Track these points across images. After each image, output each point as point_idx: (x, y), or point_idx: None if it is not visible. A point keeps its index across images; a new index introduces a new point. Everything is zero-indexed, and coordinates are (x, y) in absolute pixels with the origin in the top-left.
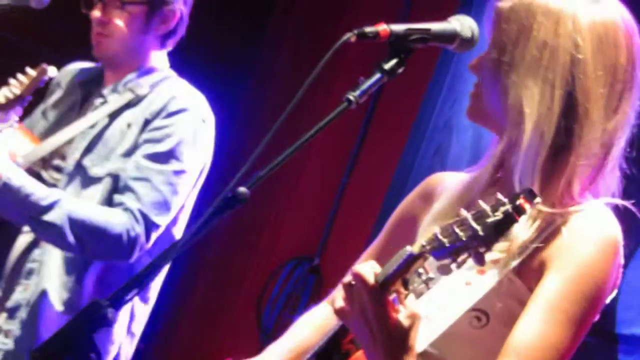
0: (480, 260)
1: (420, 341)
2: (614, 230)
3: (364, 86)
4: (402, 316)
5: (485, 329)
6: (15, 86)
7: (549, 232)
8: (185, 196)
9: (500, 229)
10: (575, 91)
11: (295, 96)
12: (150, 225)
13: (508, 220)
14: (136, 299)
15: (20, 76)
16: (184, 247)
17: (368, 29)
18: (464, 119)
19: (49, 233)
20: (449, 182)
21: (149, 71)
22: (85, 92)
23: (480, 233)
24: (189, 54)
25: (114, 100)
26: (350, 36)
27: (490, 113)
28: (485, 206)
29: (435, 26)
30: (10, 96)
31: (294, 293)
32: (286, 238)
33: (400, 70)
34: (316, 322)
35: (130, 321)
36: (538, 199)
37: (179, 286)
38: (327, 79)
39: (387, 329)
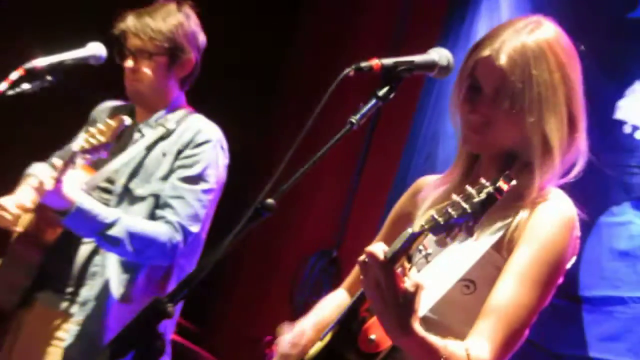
0: (470, 233)
1: (424, 305)
2: (570, 212)
3: (363, 110)
4: (408, 285)
5: (474, 295)
6: (99, 134)
7: (520, 217)
8: (211, 208)
9: (485, 206)
10: (573, 109)
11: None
12: (187, 234)
13: (490, 199)
14: None
15: (100, 125)
16: (225, 251)
17: (363, 64)
18: (448, 129)
19: (112, 244)
20: (432, 183)
21: (174, 109)
22: None
23: (469, 210)
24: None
25: (149, 134)
26: (349, 71)
27: (501, 146)
28: (471, 189)
29: (417, 58)
30: (95, 143)
31: (318, 281)
32: (309, 237)
33: (392, 95)
34: (334, 302)
35: None
36: (514, 182)
37: (225, 280)
38: (333, 105)
39: (396, 296)
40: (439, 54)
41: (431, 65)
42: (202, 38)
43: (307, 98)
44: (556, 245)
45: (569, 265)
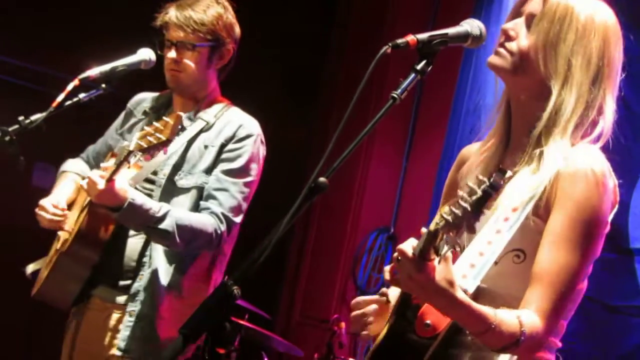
0: (471, 230)
1: (472, 281)
2: (597, 164)
3: (403, 85)
4: (435, 263)
5: (525, 263)
6: (157, 132)
7: (550, 178)
8: (250, 198)
9: (481, 202)
10: (603, 66)
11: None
12: (231, 224)
13: (486, 196)
14: None
15: (156, 124)
16: (283, 231)
17: (400, 41)
18: (488, 102)
19: (162, 237)
20: (475, 152)
21: (211, 103)
22: (158, 116)
23: (469, 209)
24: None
25: (190, 128)
26: (387, 48)
27: (528, 69)
28: (472, 185)
29: (451, 30)
30: (155, 141)
31: (378, 257)
32: (366, 215)
33: (429, 69)
34: None
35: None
36: (509, 173)
37: (290, 266)
38: (376, 81)
39: (432, 281)
40: (471, 25)
41: (464, 36)
42: (237, 29)
43: (354, 82)
44: (589, 202)
45: (611, 216)
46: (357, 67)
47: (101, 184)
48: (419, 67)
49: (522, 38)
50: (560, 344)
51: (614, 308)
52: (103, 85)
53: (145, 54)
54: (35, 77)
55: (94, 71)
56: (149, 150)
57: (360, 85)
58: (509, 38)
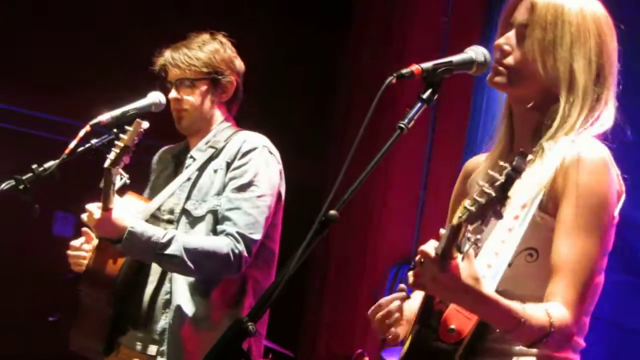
0: (498, 216)
1: (491, 281)
2: (597, 153)
3: (410, 114)
4: (458, 261)
5: (539, 261)
6: (121, 141)
7: (554, 173)
8: (270, 213)
9: (506, 187)
10: (603, 63)
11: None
12: (249, 242)
13: (510, 180)
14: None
15: (122, 135)
16: (296, 266)
17: (404, 70)
18: None
19: (172, 263)
20: (482, 163)
21: (222, 128)
22: (178, 161)
23: (493, 195)
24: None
25: (200, 157)
26: (392, 79)
27: (526, 80)
28: (493, 173)
29: (455, 58)
30: (118, 151)
31: None
32: (385, 251)
33: (435, 97)
34: None
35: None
36: (530, 156)
37: (312, 303)
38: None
39: (457, 279)
40: (475, 52)
41: (469, 63)
42: (239, 62)
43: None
44: (594, 187)
45: (618, 208)
46: (370, 95)
47: (97, 213)
48: (425, 95)
49: (516, 51)
50: (584, 344)
51: (630, 330)
52: (115, 130)
53: (156, 97)
54: (45, 126)
55: (105, 116)
56: (117, 162)
57: (367, 117)
58: (503, 53)
